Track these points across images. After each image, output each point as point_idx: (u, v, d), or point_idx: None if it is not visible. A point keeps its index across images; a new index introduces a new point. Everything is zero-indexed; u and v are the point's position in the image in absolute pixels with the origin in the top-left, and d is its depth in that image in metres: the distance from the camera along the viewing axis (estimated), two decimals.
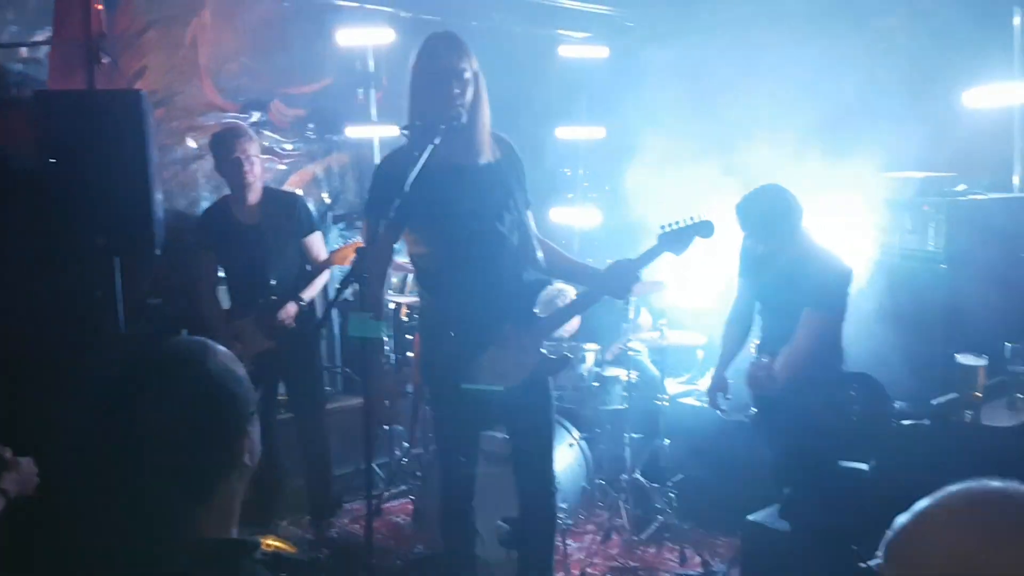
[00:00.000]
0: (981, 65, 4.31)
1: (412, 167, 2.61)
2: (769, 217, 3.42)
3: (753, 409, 3.77)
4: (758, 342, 3.73)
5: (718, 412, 3.87)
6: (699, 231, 2.95)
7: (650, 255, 2.97)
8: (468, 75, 2.77)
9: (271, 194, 4.18)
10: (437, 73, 2.75)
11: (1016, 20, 4.14)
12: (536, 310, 2.97)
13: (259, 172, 4.06)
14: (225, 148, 3.98)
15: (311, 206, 4.47)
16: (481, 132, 2.86)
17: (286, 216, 4.11)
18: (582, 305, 3.18)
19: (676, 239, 2.95)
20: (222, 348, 1.39)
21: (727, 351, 3.84)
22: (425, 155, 2.63)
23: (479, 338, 2.89)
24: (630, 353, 4.37)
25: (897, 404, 3.43)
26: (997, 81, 4.17)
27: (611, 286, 2.95)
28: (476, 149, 2.86)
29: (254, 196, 4.07)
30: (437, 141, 2.66)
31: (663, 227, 2.97)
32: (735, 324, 3.83)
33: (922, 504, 0.95)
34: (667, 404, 4.46)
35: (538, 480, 3.12)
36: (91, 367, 3.93)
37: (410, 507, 4.63)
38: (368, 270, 2.59)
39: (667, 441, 4.43)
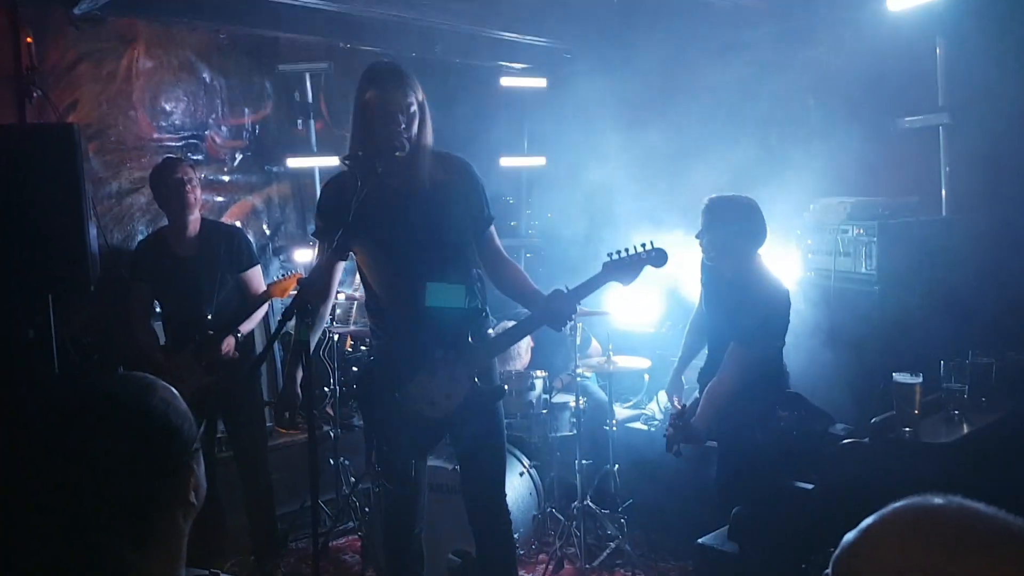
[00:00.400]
0: (907, 93, 4.48)
1: (355, 193, 2.62)
2: (734, 221, 3.37)
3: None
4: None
5: (673, 409, 3.80)
6: (651, 260, 2.85)
7: (591, 285, 2.86)
8: (413, 108, 2.77)
9: (209, 226, 4.10)
10: (381, 106, 2.74)
11: (939, 49, 4.31)
12: (471, 339, 2.88)
13: (199, 197, 4.01)
14: (165, 172, 3.95)
15: (251, 238, 4.41)
16: (423, 159, 2.84)
17: (225, 248, 4.04)
18: (517, 334, 3.09)
19: (623, 268, 2.85)
20: (164, 384, 1.36)
21: (683, 357, 3.89)
22: (367, 185, 2.64)
23: (410, 362, 2.87)
24: (578, 379, 4.39)
25: (839, 426, 3.50)
26: (923, 108, 4.33)
27: (548, 316, 2.83)
28: (419, 176, 2.85)
29: (192, 227, 4.00)
30: (380, 170, 2.67)
31: (609, 255, 2.87)
32: (693, 333, 3.87)
33: (868, 521, 0.97)
34: (615, 430, 4.48)
35: (490, 510, 3.07)
36: (24, 406, 3.80)
37: (358, 544, 4.55)
38: (311, 300, 2.57)
39: (616, 466, 4.45)
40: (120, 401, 1.30)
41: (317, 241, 3.03)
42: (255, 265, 4.16)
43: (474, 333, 2.90)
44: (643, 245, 2.86)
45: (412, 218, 2.84)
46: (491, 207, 3.01)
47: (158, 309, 4.25)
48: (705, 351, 3.78)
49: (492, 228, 3.01)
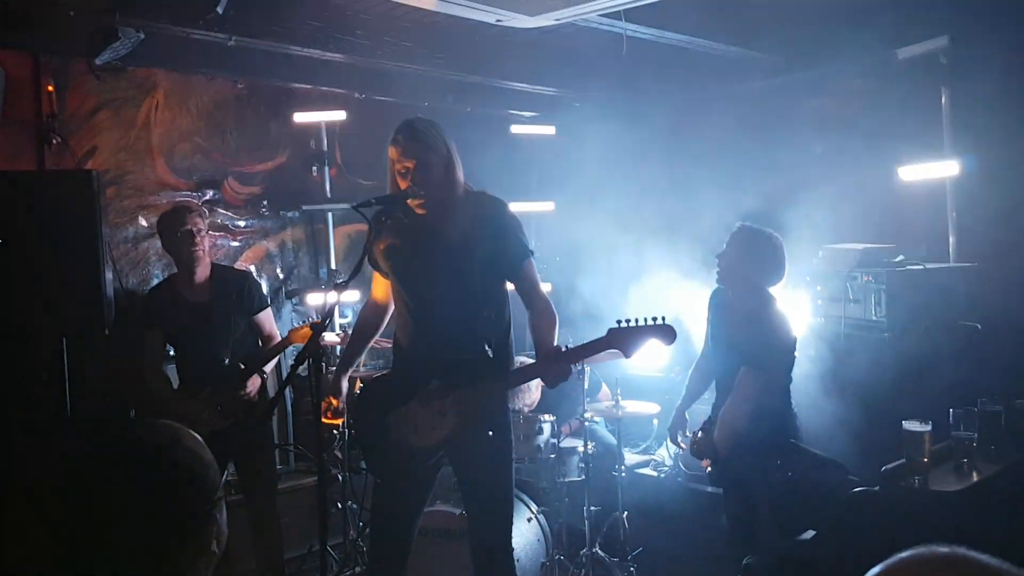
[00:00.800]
0: (914, 141, 4.54)
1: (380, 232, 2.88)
2: (749, 253, 3.45)
3: (706, 464, 3.83)
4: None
5: (679, 448, 3.94)
6: (657, 334, 2.75)
7: (591, 348, 2.80)
8: (433, 163, 2.89)
9: (220, 271, 4.14)
10: (399, 161, 2.90)
11: (943, 99, 4.37)
12: (469, 379, 2.90)
13: (208, 248, 4.04)
14: (174, 222, 3.92)
15: (262, 282, 4.46)
16: (450, 209, 2.95)
17: (236, 293, 4.08)
18: (508, 384, 3.11)
19: (628, 338, 2.76)
20: (190, 432, 1.38)
21: (688, 394, 3.91)
22: (380, 231, 2.88)
23: (407, 388, 2.96)
24: (587, 424, 4.38)
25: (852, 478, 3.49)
26: (929, 156, 4.39)
27: (543, 372, 2.82)
28: (444, 224, 2.96)
29: (202, 273, 4.02)
30: (389, 221, 2.87)
31: (618, 321, 2.78)
32: (699, 371, 3.91)
33: (874, 571, 0.98)
34: (624, 475, 4.47)
35: (492, 560, 3.05)
36: (38, 450, 3.82)
37: None
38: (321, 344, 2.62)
39: (626, 513, 4.42)
40: (147, 450, 1.31)
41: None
42: (266, 308, 4.20)
43: (475, 374, 2.92)
44: (654, 318, 2.76)
45: (431, 264, 2.96)
46: (526, 243, 3.03)
47: (171, 353, 4.28)
48: (708, 393, 3.85)
49: (527, 263, 3.00)
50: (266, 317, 4.19)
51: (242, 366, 3.97)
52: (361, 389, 3.18)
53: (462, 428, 2.89)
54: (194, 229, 3.92)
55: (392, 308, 3.19)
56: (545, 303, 2.98)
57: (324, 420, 3.21)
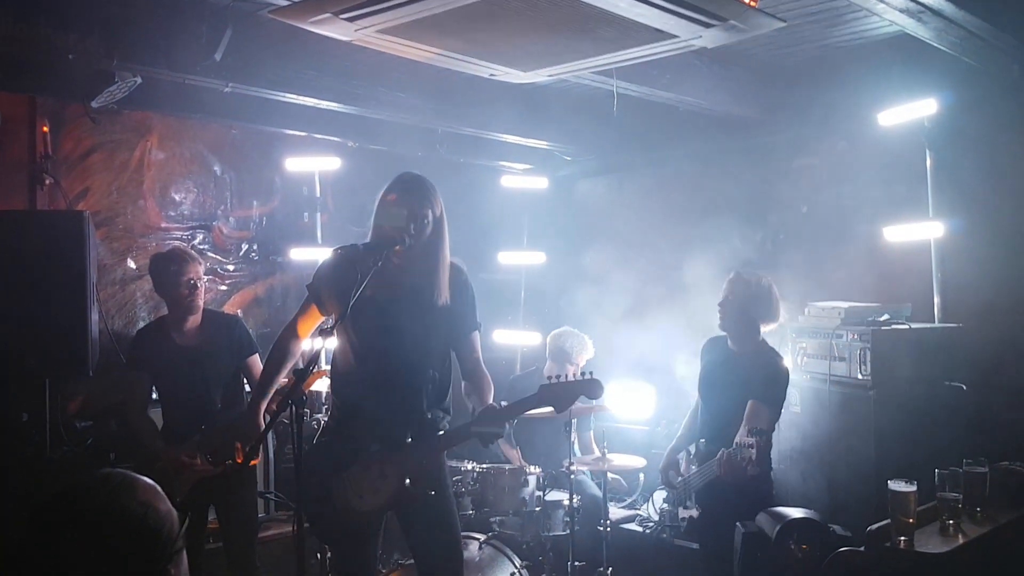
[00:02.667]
0: (898, 202, 4.61)
1: (355, 285, 2.74)
2: (755, 297, 3.72)
3: (696, 510, 3.83)
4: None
5: (672, 483, 4.05)
6: (585, 390, 2.86)
7: (523, 405, 2.91)
8: (427, 219, 2.93)
9: (209, 315, 4.11)
10: (395, 205, 2.92)
11: (928, 161, 4.45)
12: (409, 439, 2.92)
13: (203, 300, 4.02)
14: (174, 269, 3.88)
15: (250, 327, 4.42)
16: (439, 271, 2.99)
17: (226, 338, 4.05)
18: (446, 443, 3.08)
19: (558, 394, 2.86)
20: (146, 482, 1.34)
21: (681, 440, 4.06)
22: (367, 278, 2.76)
23: (348, 452, 2.94)
24: (572, 476, 4.35)
25: (836, 528, 3.48)
26: (913, 217, 4.45)
27: (478, 431, 2.88)
28: (431, 285, 2.99)
29: (194, 319, 4.00)
30: (379, 264, 2.80)
31: (549, 378, 2.93)
32: (693, 418, 4.06)
33: None
34: (609, 531, 4.42)
35: None
36: (13, 491, 3.77)
37: None
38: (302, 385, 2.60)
39: (610, 570, 4.36)
40: (100, 499, 1.28)
41: (308, 299, 3.13)
42: (255, 353, 4.17)
43: (415, 434, 2.95)
44: (582, 373, 2.90)
45: (404, 319, 2.97)
46: (477, 315, 3.15)
47: (155, 396, 4.23)
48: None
49: (477, 333, 3.14)
50: (255, 362, 4.15)
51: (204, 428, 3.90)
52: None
53: (403, 490, 2.88)
54: (196, 280, 3.91)
55: (300, 348, 3.19)
56: (486, 374, 3.09)
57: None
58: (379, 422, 2.94)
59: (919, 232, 4.45)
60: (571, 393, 2.86)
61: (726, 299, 3.79)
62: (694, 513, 3.92)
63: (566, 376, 2.89)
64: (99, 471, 1.35)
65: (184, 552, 1.36)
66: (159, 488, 1.37)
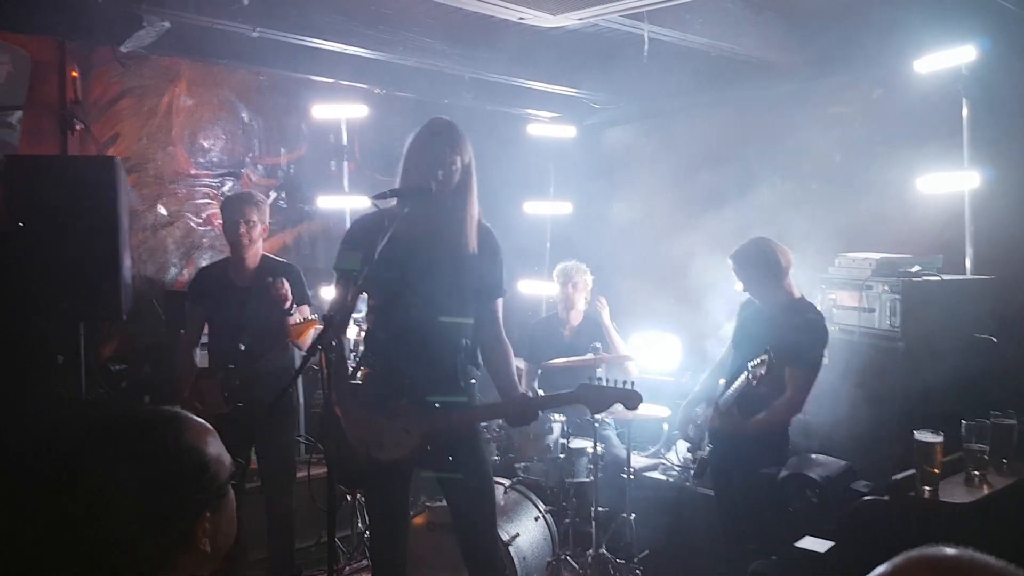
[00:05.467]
0: (933, 152, 4.51)
1: (383, 233, 2.69)
2: (751, 263, 3.78)
3: (708, 446, 3.92)
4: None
5: (690, 436, 4.09)
6: (622, 398, 2.85)
7: (559, 400, 2.99)
8: (456, 165, 2.88)
9: (268, 261, 4.17)
10: (425, 153, 2.87)
11: (964, 110, 4.35)
12: (436, 404, 2.90)
13: (257, 236, 4.08)
14: (229, 209, 4.05)
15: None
16: (466, 220, 2.94)
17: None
18: (473, 417, 3.08)
19: (596, 397, 2.87)
20: (198, 423, 1.33)
21: (700, 392, 4.13)
22: (395, 224, 2.72)
23: (374, 403, 2.93)
24: (596, 425, 4.38)
25: (861, 483, 3.49)
26: (948, 167, 4.36)
27: (510, 415, 2.95)
28: (458, 234, 2.93)
29: (251, 261, 4.07)
30: (407, 210, 2.77)
31: (590, 378, 2.98)
32: (714, 375, 4.12)
33: (880, 569, 0.98)
34: (632, 478, 4.47)
35: (479, 553, 3.08)
36: (49, 432, 3.86)
37: None
38: (335, 337, 2.61)
39: (633, 516, 4.42)
40: (139, 433, 1.28)
41: (337, 277, 3.05)
42: (305, 304, 4.21)
43: (443, 399, 2.92)
44: (624, 381, 2.88)
45: (432, 267, 2.91)
46: (505, 282, 3.09)
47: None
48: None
49: (501, 299, 3.07)
50: (304, 312, 4.20)
51: (231, 366, 3.96)
52: (339, 393, 3.13)
53: (422, 450, 2.89)
54: (240, 220, 4.00)
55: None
56: (507, 344, 3.07)
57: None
58: (407, 376, 2.92)
59: (954, 183, 4.36)
60: (608, 398, 2.86)
61: (737, 275, 3.87)
62: (705, 455, 3.95)
63: (607, 380, 2.92)
64: (152, 407, 1.36)
65: (229, 502, 1.34)
66: (213, 432, 1.35)
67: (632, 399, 2.85)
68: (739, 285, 3.91)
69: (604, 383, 2.91)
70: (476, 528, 3.06)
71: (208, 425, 1.35)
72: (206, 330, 4.18)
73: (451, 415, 2.92)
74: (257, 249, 4.09)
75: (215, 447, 1.33)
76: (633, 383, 2.89)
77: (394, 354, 2.96)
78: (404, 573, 3.11)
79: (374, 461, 2.92)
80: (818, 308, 3.87)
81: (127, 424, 1.31)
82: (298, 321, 4.05)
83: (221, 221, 4.17)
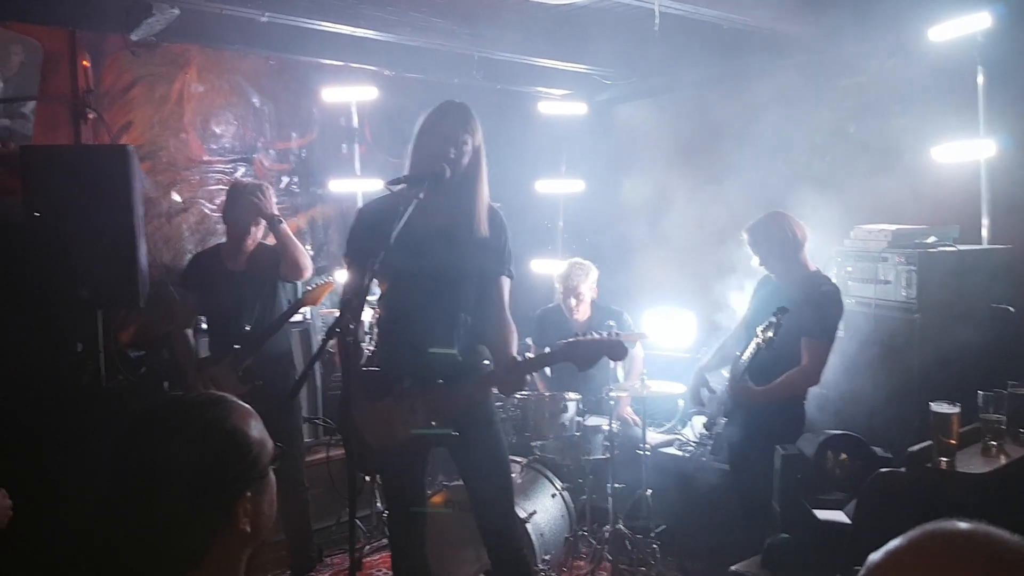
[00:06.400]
0: (948, 121, 4.46)
1: (397, 218, 2.68)
2: (766, 237, 3.80)
3: (723, 419, 3.95)
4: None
5: (703, 400, 4.13)
6: (608, 350, 2.81)
7: (544, 360, 2.91)
8: (468, 145, 2.88)
9: (263, 248, 4.22)
10: (436, 135, 2.87)
11: (980, 78, 4.29)
12: (440, 380, 2.91)
13: (260, 234, 4.13)
14: (242, 207, 4.07)
15: None
16: (476, 203, 2.94)
17: (273, 267, 4.15)
18: (476, 390, 3.04)
19: (581, 352, 2.81)
20: (243, 407, 1.37)
21: (713, 361, 4.17)
22: (410, 209, 2.70)
23: (383, 384, 2.94)
24: (611, 403, 4.40)
25: (876, 449, 3.49)
26: (963, 136, 4.32)
27: (498, 382, 2.92)
28: (468, 218, 2.94)
29: (249, 247, 4.15)
30: (421, 196, 2.73)
31: (575, 333, 2.87)
32: (725, 348, 4.13)
33: (895, 543, 0.99)
34: (648, 454, 4.49)
35: (496, 529, 3.10)
36: (72, 419, 3.91)
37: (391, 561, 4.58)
38: (352, 321, 2.62)
39: (649, 491, 4.44)
40: (188, 414, 1.32)
41: (349, 263, 3.07)
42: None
43: (446, 376, 2.93)
44: (608, 333, 2.84)
45: (438, 251, 2.91)
46: (511, 263, 3.07)
47: (203, 327, 4.35)
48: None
49: (506, 279, 3.05)
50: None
51: (236, 347, 4.02)
52: (350, 379, 3.14)
53: (430, 428, 2.90)
54: (254, 225, 4.10)
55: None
56: (511, 323, 3.03)
57: None
58: (412, 357, 2.94)
59: (969, 152, 4.31)
60: (595, 351, 2.80)
61: (752, 250, 3.87)
62: (720, 429, 3.97)
63: (590, 333, 2.84)
64: (200, 392, 1.39)
65: (270, 483, 1.38)
66: (256, 416, 1.39)
67: (617, 350, 2.81)
68: (755, 260, 3.90)
69: (589, 337, 2.81)
70: (492, 504, 3.08)
71: (251, 409, 1.40)
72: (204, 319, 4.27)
73: (452, 390, 2.93)
74: (258, 236, 4.14)
75: (258, 430, 1.38)
76: (617, 333, 2.85)
77: (398, 338, 2.99)
78: (423, 555, 3.14)
79: (388, 446, 2.94)
80: (833, 280, 3.85)
81: (177, 407, 1.35)
82: (312, 287, 4.11)
83: (226, 207, 4.17)
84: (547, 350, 2.90)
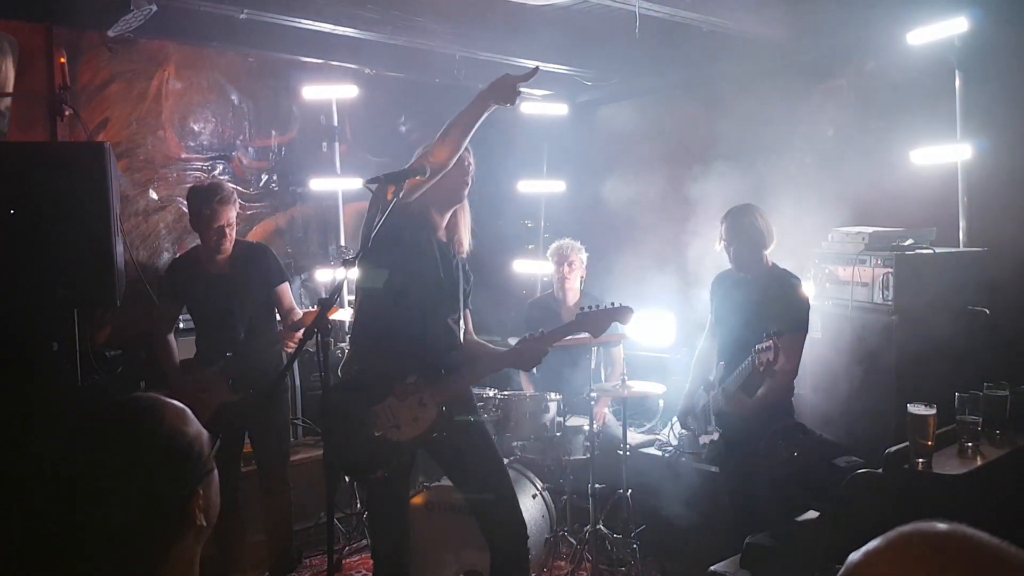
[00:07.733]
0: (926, 124, 4.51)
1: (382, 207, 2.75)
2: (744, 226, 3.82)
3: (716, 432, 3.96)
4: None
5: (689, 430, 4.25)
6: (617, 316, 3.11)
7: (562, 331, 3.11)
8: (472, 167, 3.20)
9: (240, 245, 4.16)
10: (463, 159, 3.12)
11: (957, 82, 4.34)
12: (443, 370, 3.05)
13: (233, 235, 4.07)
14: (207, 213, 3.92)
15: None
16: (467, 226, 3.25)
17: (255, 267, 4.11)
18: (482, 371, 3.22)
19: (594, 321, 3.09)
20: (175, 405, 1.35)
21: (695, 379, 4.17)
22: (390, 208, 2.71)
23: (383, 385, 2.98)
24: (592, 403, 4.40)
25: (842, 460, 3.50)
26: (941, 139, 4.36)
27: (520, 360, 3.11)
28: (460, 241, 3.22)
29: (225, 251, 4.05)
30: (400, 196, 2.77)
31: (583, 307, 3.14)
32: (702, 359, 4.18)
33: (873, 544, 0.99)
34: (629, 455, 4.49)
35: (500, 513, 3.13)
36: (46, 421, 3.86)
37: (371, 563, 4.56)
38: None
39: (630, 492, 4.45)
40: (126, 426, 1.30)
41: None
42: (285, 281, 4.22)
43: (447, 365, 3.07)
44: (612, 303, 3.13)
45: (444, 269, 3.12)
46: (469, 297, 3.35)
47: (181, 326, 4.31)
48: (713, 375, 4.00)
49: (468, 311, 3.34)
50: (285, 291, 4.21)
51: (228, 354, 3.98)
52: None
53: (441, 416, 2.98)
54: (227, 227, 3.96)
55: None
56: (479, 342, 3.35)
57: None
58: (416, 355, 3.01)
59: (947, 155, 4.36)
60: (605, 319, 3.08)
61: (729, 241, 3.87)
62: (715, 437, 3.98)
63: (598, 304, 3.11)
64: (127, 396, 1.37)
65: (215, 474, 1.37)
66: (188, 411, 1.37)
67: (625, 315, 3.11)
68: (719, 245, 3.93)
69: (596, 307, 3.12)
70: (494, 487, 3.13)
71: (181, 405, 1.37)
72: (191, 324, 4.21)
73: (461, 373, 3.06)
74: (232, 236, 4.07)
75: (194, 425, 1.35)
76: (620, 302, 3.14)
77: (398, 335, 3.03)
78: (407, 555, 3.14)
79: (389, 445, 2.95)
80: (798, 279, 3.90)
81: (110, 419, 1.32)
82: (300, 315, 4.07)
83: (189, 216, 4.04)
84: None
